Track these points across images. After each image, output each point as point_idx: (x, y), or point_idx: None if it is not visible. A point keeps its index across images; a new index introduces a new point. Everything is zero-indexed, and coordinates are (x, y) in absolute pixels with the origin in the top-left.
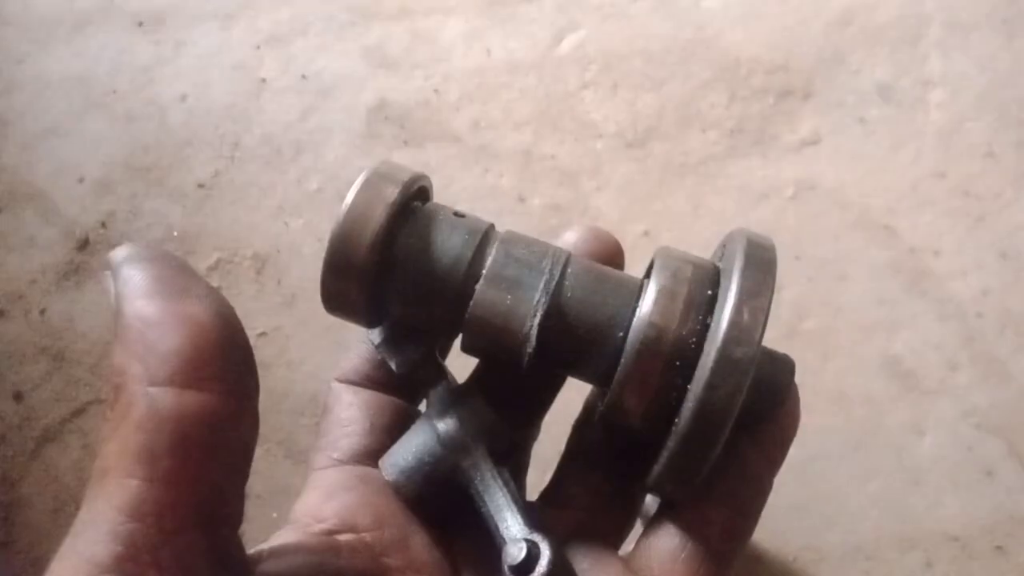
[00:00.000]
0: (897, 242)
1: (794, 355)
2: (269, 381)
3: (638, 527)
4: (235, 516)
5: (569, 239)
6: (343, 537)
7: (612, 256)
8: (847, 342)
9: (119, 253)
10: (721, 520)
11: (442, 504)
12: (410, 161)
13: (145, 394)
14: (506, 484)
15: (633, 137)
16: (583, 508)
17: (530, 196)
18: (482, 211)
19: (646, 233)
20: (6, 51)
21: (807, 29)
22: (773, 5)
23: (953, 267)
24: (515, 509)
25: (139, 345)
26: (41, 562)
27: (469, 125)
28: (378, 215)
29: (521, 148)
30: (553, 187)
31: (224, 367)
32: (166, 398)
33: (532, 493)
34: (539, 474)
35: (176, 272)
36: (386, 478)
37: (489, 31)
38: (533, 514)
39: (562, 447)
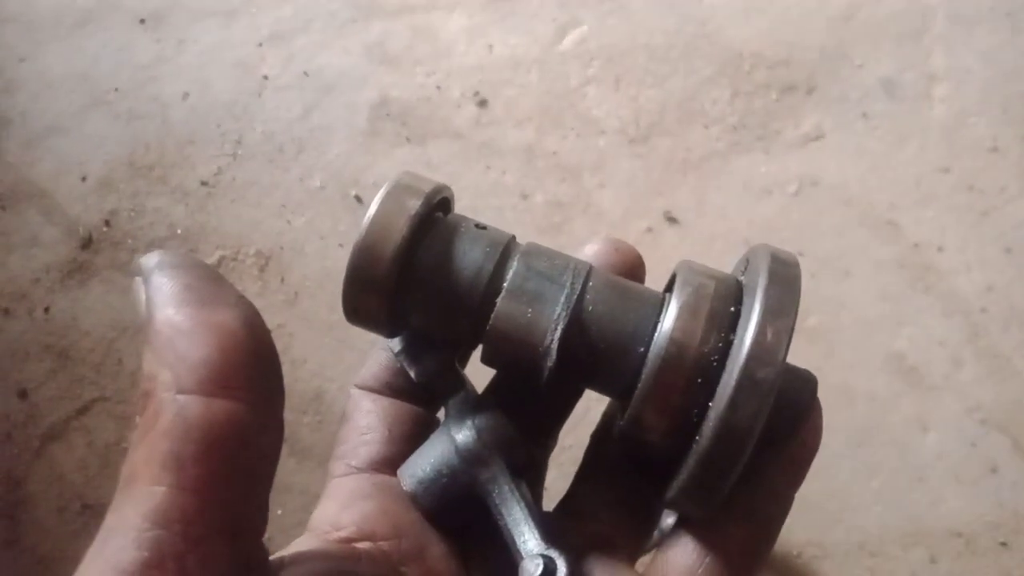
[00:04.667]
0: (901, 238)
1: (797, 352)
2: None
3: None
4: (259, 524)
5: (590, 251)
6: (361, 546)
7: (633, 269)
8: (851, 339)
9: (150, 260)
10: (741, 536)
11: (459, 515)
12: (412, 158)
13: (173, 401)
14: (523, 497)
15: (635, 133)
16: (600, 520)
17: (533, 193)
18: (484, 208)
19: (649, 230)
20: (7, 49)
21: (810, 23)
22: None
23: (957, 262)
24: (532, 523)
25: (169, 352)
26: (47, 560)
27: (471, 122)
28: (400, 227)
29: (523, 145)
30: (556, 184)
31: (252, 376)
32: (194, 406)
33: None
34: None
35: (206, 280)
36: (404, 488)
37: (490, 27)
38: (550, 527)
39: (566, 446)
